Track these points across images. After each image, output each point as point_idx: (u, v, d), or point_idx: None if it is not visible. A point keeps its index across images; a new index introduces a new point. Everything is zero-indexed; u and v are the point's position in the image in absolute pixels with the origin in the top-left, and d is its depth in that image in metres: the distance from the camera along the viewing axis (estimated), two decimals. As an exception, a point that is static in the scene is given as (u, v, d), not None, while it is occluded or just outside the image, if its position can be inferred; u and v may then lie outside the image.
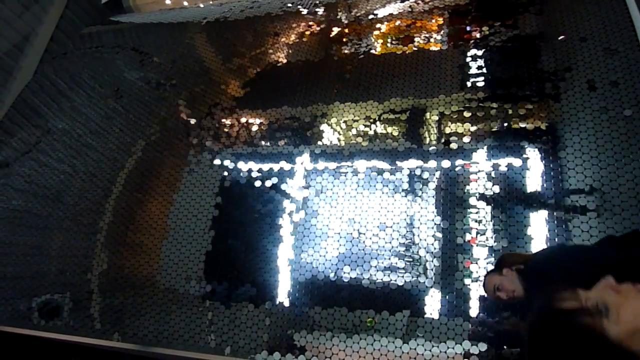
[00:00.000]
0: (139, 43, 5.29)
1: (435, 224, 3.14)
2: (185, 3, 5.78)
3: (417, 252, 3.11)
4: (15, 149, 4.82)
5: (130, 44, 5.35)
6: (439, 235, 3.10)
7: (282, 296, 3.28)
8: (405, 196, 3.30)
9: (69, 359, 4.34)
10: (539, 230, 2.91)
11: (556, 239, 2.84)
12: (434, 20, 4.09)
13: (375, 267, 3.16)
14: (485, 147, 3.25)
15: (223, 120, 4.13)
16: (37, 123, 4.93)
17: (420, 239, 3.13)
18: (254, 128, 4.00)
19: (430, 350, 2.83)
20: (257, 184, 3.70)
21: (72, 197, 4.24)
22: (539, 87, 3.32)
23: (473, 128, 3.34)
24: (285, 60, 4.36)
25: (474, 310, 2.86)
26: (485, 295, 2.24)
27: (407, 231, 3.20)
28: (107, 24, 5.87)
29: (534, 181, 3.05)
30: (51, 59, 5.59)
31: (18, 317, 3.85)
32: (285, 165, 3.70)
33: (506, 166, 3.13)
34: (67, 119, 4.82)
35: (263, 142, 3.88)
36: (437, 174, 3.30)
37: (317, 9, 4.71)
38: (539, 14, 3.74)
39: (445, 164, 3.29)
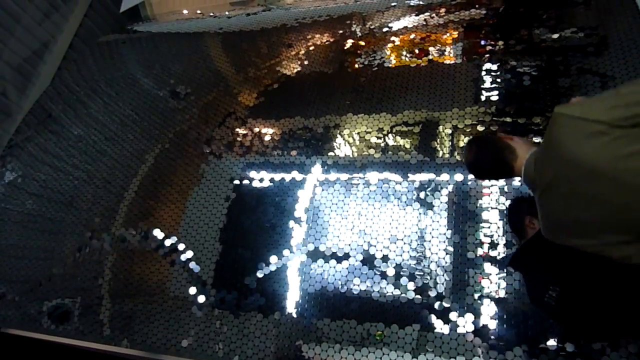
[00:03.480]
0: (156, 52, 5.37)
1: (446, 237, 3.12)
2: (201, 13, 5.86)
3: (428, 265, 3.09)
4: (32, 154, 4.89)
5: (146, 53, 5.43)
6: (450, 249, 3.08)
7: (291, 307, 3.27)
8: (417, 209, 3.29)
9: (77, 364, 4.35)
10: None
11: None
12: (448, 34, 4.10)
13: (386, 280, 3.14)
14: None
15: (236, 129, 4.16)
16: (54, 129, 5.01)
17: (432, 253, 3.11)
18: (267, 138, 4.02)
19: (439, 366, 2.80)
20: (269, 193, 3.71)
21: (85, 203, 4.29)
22: (553, 102, 3.31)
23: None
24: (299, 72, 4.39)
25: (485, 325, 2.82)
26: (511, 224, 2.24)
27: (418, 244, 3.18)
28: (125, 33, 5.97)
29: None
30: (69, 66, 5.69)
31: (28, 321, 3.88)
32: (297, 175, 3.70)
33: (519, 181, 3.10)
34: (83, 126, 4.89)
35: (275, 152, 3.90)
36: (450, 187, 3.28)
37: (331, 21, 4.75)
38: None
39: (458, 177, 3.28)
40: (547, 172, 1.66)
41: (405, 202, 3.33)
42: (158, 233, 3.84)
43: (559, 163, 1.60)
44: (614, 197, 1.48)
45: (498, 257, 2.97)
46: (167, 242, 3.78)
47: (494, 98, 3.52)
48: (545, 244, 1.85)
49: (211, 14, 5.73)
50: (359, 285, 3.18)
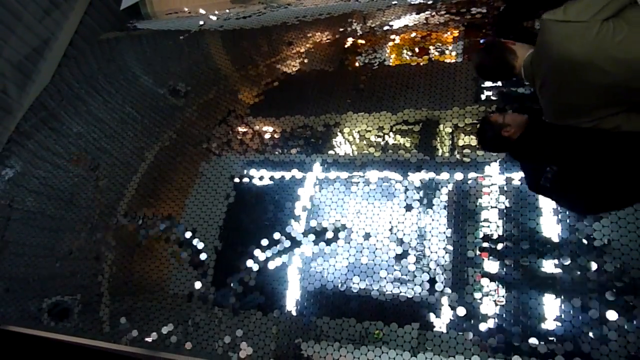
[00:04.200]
0: (156, 50, 5.36)
1: (446, 236, 3.12)
2: (202, 11, 5.85)
3: (428, 264, 3.09)
4: (32, 151, 4.89)
5: (147, 51, 5.42)
6: (450, 248, 3.08)
7: (291, 305, 3.27)
8: (417, 208, 3.28)
9: (77, 361, 4.35)
10: (550, 245, 2.87)
11: (569, 254, 2.81)
12: (449, 33, 4.10)
13: (385, 278, 3.15)
14: (498, 161, 3.23)
15: (236, 127, 4.16)
16: (54, 126, 5.00)
17: (431, 252, 3.11)
18: (267, 136, 4.02)
19: (438, 364, 2.80)
20: (268, 191, 3.71)
21: (85, 200, 4.29)
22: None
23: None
24: (299, 70, 4.38)
25: (484, 324, 2.83)
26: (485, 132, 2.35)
27: (418, 243, 3.18)
28: (125, 30, 5.96)
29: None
30: (69, 63, 5.68)
31: (28, 318, 3.88)
32: (297, 173, 3.70)
33: (519, 180, 3.10)
34: (83, 123, 4.88)
35: (275, 150, 3.90)
36: (450, 186, 3.28)
37: (332, 20, 4.74)
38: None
39: (458, 176, 3.28)
40: (541, 69, 1.98)
41: (405, 200, 3.33)
42: (158, 232, 3.84)
43: (549, 61, 1.90)
44: (597, 81, 1.80)
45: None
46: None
47: (494, 97, 3.51)
48: (538, 134, 2.17)
49: (210, 16, 5.71)
50: (358, 283, 3.18)
